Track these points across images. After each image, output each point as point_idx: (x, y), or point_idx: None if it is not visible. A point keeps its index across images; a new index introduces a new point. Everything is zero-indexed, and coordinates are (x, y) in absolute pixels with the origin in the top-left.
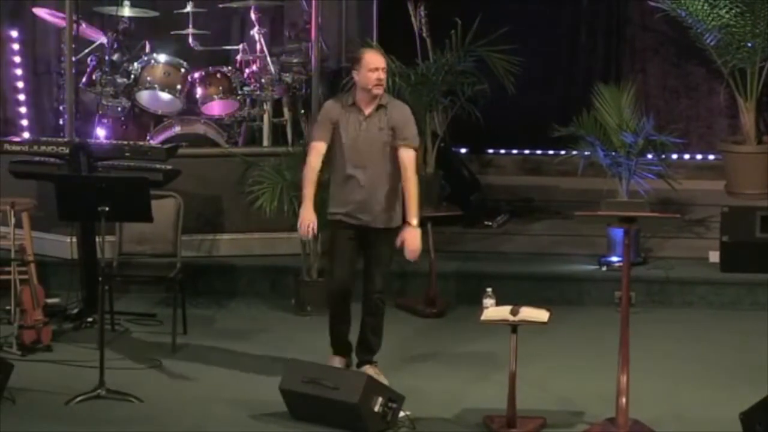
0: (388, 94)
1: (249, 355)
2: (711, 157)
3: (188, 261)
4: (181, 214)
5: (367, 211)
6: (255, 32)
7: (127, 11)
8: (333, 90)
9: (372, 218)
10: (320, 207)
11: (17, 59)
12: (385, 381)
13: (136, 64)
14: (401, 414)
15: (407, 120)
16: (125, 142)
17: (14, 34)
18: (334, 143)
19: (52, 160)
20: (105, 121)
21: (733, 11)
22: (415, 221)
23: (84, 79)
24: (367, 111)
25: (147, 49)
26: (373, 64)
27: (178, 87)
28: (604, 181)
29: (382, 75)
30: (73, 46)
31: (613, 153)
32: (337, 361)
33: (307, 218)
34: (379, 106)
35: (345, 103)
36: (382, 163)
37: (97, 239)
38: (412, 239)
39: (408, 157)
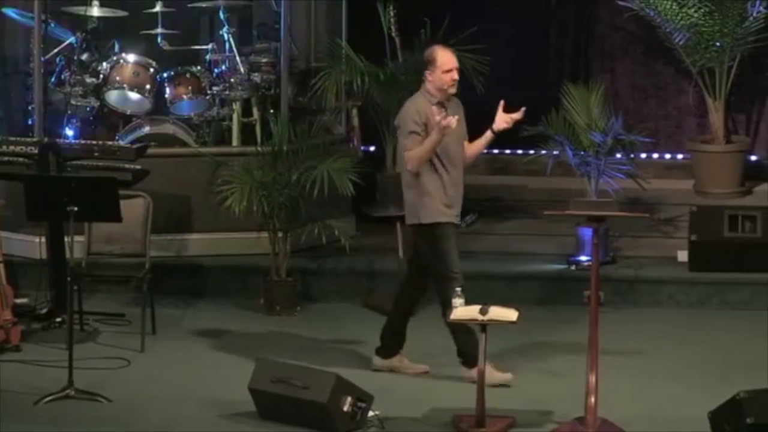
0: None
1: (218, 355)
2: (680, 156)
3: (157, 261)
4: (150, 213)
5: (458, 206)
6: (224, 32)
7: (96, 11)
8: (302, 90)
9: (459, 213)
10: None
11: None
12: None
13: (105, 63)
14: (370, 413)
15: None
16: (94, 142)
17: None
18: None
19: (20, 159)
20: (74, 121)
21: (702, 10)
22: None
23: (53, 79)
24: (447, 108)
25: (116, 49)
26: (448, 65)
27: (147, 87)
28: (573, 180)
29: (456, 75)
30: (42, 46)
31: (582, 152)
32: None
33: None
34: (447, 100)
35: (431, 102)
36: (461, 158)
37: (65, 239)
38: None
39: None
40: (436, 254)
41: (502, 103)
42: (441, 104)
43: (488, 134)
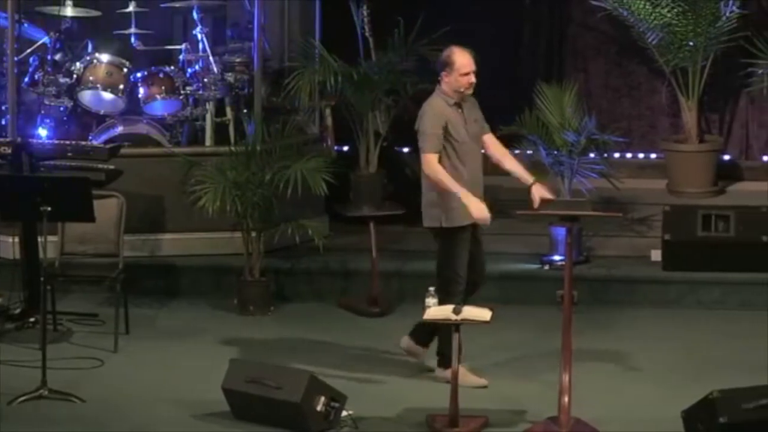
0: None
1: (191, 355)
2: (653, 155)
3: (130, 261)
4: (124, 213)
5: None
6: (197, 32)
7: (69, 11)
8: (275, 90)
9: None
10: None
11: None
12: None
13: (78, 63)
14: (344, 413)
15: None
16: (67, 142)
17: None
18: (446, 146)
19: None
20: (47, 120)
21: (675, 10)
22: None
23: (26, 79)
24: (463, 109)
25: (89, 49)
26: (466, 68)
27: (121, 87)
28: (547, 180)
29: (474, 78)
30: (15, 46)
31: (556, 152)
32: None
33: (480, 204)
34: (462, 100)
35: (448, 104)
36: (480, 156)
37: (39, 239)
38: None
39: (494, 139)
40: (449, 256)
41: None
42: (457, 105)
43: (526, 178)
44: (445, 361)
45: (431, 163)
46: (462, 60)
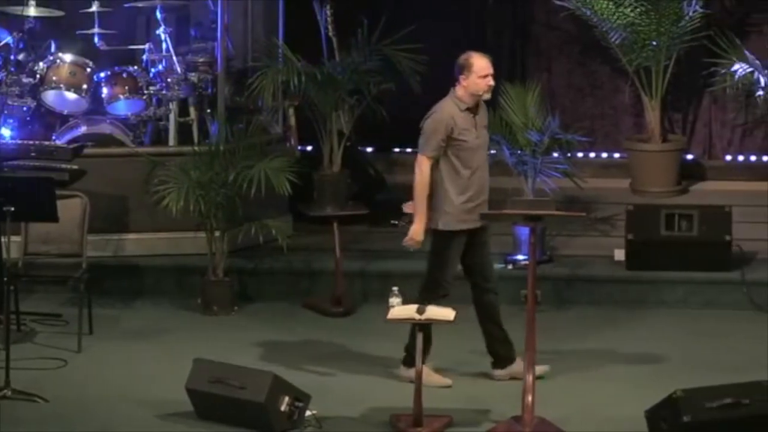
0: None
1: (155, 355)
2: (616, 155)
3: (94, 261)
4: (87, 213)
5: (483, 208)
6: (161, 32)
7: (32, 11)
8: (239, 89)
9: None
10: None
11: None
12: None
13: (41, 63)
14: (307, 413)
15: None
16: (31, 142)
17: None
18: (451, 150)
19: None
20: (10, 121)
21: (638, 10)
22: None
23: None
24: (476, 113)
25: (52, 49)
26: (485, 70)
27: (84, 86)
28: (510, 179)
29: (492, 81)
30: None
31: (519, 151)
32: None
33: (417, 231)
34: (476, 105)
35: (460, 108)
36: (487, 163)
37: (2, 239)
38: None
39: None
40: (440, 259)
41: None
42: (470, 110)
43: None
44: (409, 360)
45: (421, 166)
46: (480, 63)
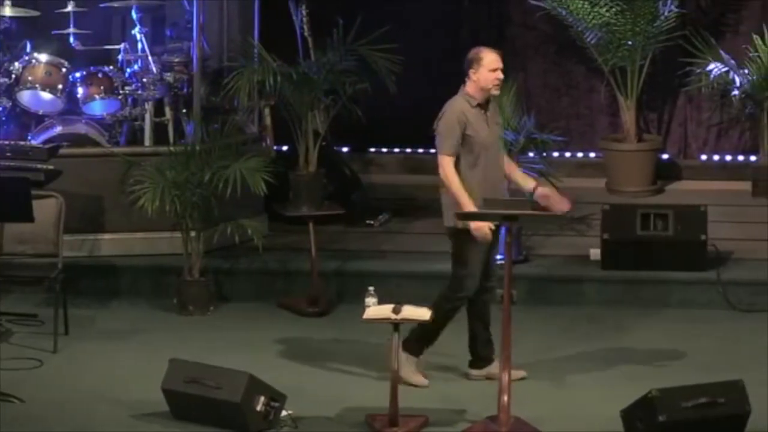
0: None
1: (131, 355)
2: (592, 155)
3: (70, 261)
4: (63, 213)
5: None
6: (136, 32)
7: (7, 11)
8: (214, 89)
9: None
10: None
11: None
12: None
13: (17, 63)
14: (283, 413)
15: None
16: (6, 142)
17: None
18: (464, 147)
19: None
20: None
21: (614, 9)
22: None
23: None
24: (487, 109)
25: (28, 49)
26: (494, 64)
27: (60, 87)
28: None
29: (501, 75)
30: None
31: None
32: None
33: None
34: (487, 101)
35: (471, 105)
36: (501, 158)
37: None
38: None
39: None
40: (462, 256)
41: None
42: (480, 106)
43: (529, 186)
44: (410, 346)
45: (445, 166)
46: (490, 56)
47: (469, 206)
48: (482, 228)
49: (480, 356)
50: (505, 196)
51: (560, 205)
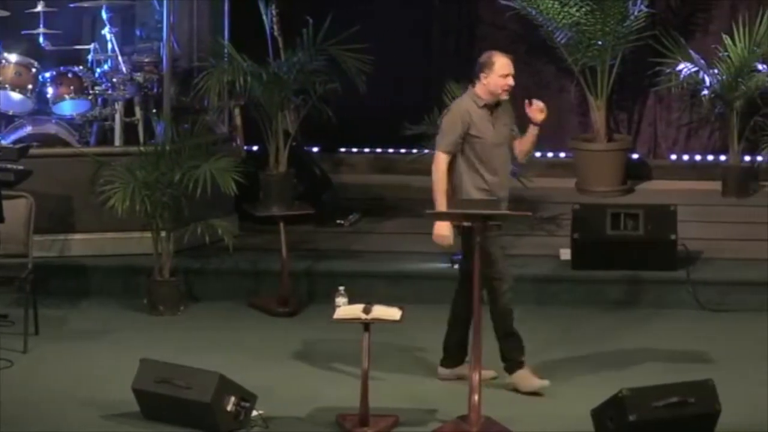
0: None
1: (101, 355)
2: (562, 154)
3: (40, 261)
4: (33, 214)
5: (502, 209)
6: (106, 32)
7: None
8: (184, 89)
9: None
10: None
11: None
12: None
13: None
14: (254, 413)
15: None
16: None
17: None
18: (468, 147)
19: None
20: None
21: (584, 9)
22: None
23: None
24: (494, 111)
25: None
26: (505, 70)
27: (30, 87)
28: None
29: (512, 81)
30: None
31: None
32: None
33: (442, 229)
34: (497, 104)
35: (477, 105)
36: (508, 161)
37: None
38: None
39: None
40: (484, 255)
41: (526, 101)
42: (487, 107)
43: (533, 129)
44: (510, 366)
45: (437, 162)
46: (502, 61)
47: (443, 207)
48: (440, 235)
49: (452, 356)
50: (507, 200)
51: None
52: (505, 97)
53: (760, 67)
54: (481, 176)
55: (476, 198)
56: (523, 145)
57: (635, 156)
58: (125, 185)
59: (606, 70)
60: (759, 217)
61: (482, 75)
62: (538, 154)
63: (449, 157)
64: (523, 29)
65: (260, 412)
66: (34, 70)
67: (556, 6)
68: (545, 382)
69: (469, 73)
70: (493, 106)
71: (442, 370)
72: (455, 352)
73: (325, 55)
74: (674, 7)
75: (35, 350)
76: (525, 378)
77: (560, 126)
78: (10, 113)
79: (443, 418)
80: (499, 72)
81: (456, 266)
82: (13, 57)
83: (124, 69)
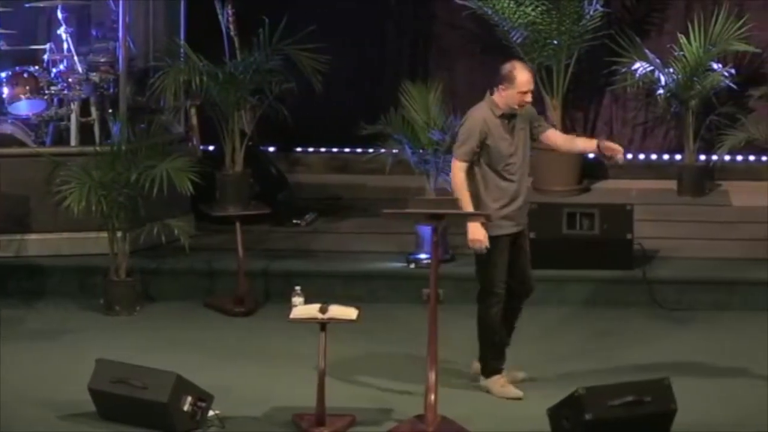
0: None
1: (58, 356)
2: None
3: None
4: None
5: (521, 216)
6: (62, 32)
7: None
8: (140, 89)
9: (523, 221)
10: None
11: None
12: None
13: None
14: (210, 413)
15: (534, 110)
16: None
17: None
18: (484, 157)
19: None
20: None
21: (539, 9)
22: None
23: None
24: (511, 120)
25: None
26: (525, 87)
27: None
28: (413, 178)
29: (530, 98)
30: None
31: (421, 150)
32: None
33: (477, 229)
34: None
35: (495, 114)
36: (526, 167)
37: None
38: None
39: (556, 133)
40: (484, 266)
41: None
42: (505, 116)
43: (593, 145)
44: (487, 370)
45: (454, 170)
46: (523, 77)
47: (469, 207)
48: (476, 240)
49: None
50: (528, 205)
51: (620, 153)
52: (521, 111)
53: (715, 66)
54: (496, 185)
55: (435, 198)
56: (565, 144)
57: (591, 155)
58: (81, 185)
59: (562, 70)
60: (714, 216)
61: (501, 87)
62: None
63: (466, 165)
64: (479, 29)
65: (217, 411)
66: None
67: (511, 5)
68: (519, 393)
69: (424, 72)
70: (510, 116)
71: (482, 380)
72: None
73: (281, 55)
74: (629, 6)
75: None
76: (501, 384)
77: None
78: None
79: (399, 418)
80: (519, 88)
81: (413, 265)
82: None
83: (80, 69)
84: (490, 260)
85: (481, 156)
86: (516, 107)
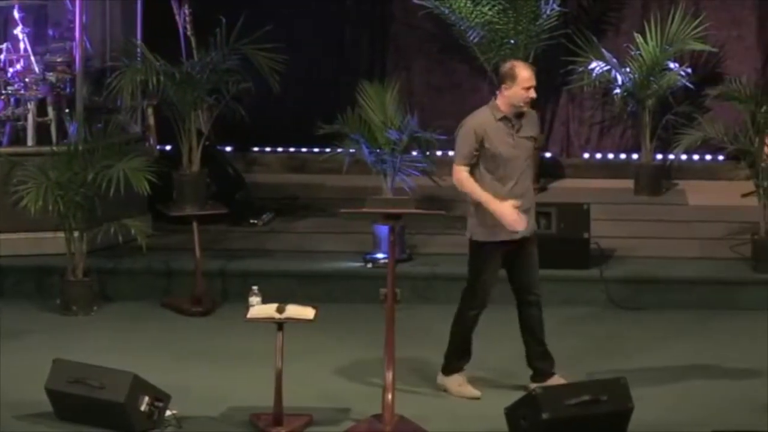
0: None
1: (14, 356)
2: None
3: None
4: None
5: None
6: (18, 31)
7: None
8: (97, 89)
9: (528, 227)
10: None
11: None
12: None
13: None
14: (167, 413)
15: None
16: None
17: None
18: (482, 160)
19: None
20: None
21: (496, 8)
22: None
23: None
24: (515, 123)
25: None
26: (528, 83)
27: None
28: (370, 178)
29: (534, 93)
30: None
31: (378, 150)
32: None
33: (507, 209)
34: (520, 115)
35: (495, 117)
36: (528, 171)
37: None
38: None
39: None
40: (474, 269)
41: None
42: (507, 119)
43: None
44: (448, 367)
45: (457, 173)
46: (525, 73)
47: (488, 198)
48: (514, 219)
49: (538, 370)
50: (533, 211)
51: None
52: (524, 109)
53: (671, 65)
54: (495, 188)
55: (392, 197)
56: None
57: (548, 154)
58: (38, 185)
59: None
60: (671, 215)
61: (504, 86)
62: (451, 153)
63: (467, 168)
64: (436, 28)
65: (174, 411)
66: None
67: (468, 5)
68: (477, 393)
69: (381, 71)
70: (513, 118)
71: (440, 377)
72: (542, 366)
73: (238, 55)
74: (586, 6)
75: None
76: (458, 383)
77: None
78: None
79: (357, 417)
80: (522, 84)
81: (370, 265)
82: None
83: (36, 69)
84: (481, 266)
85: (481, 157)
86: (522, 105)
